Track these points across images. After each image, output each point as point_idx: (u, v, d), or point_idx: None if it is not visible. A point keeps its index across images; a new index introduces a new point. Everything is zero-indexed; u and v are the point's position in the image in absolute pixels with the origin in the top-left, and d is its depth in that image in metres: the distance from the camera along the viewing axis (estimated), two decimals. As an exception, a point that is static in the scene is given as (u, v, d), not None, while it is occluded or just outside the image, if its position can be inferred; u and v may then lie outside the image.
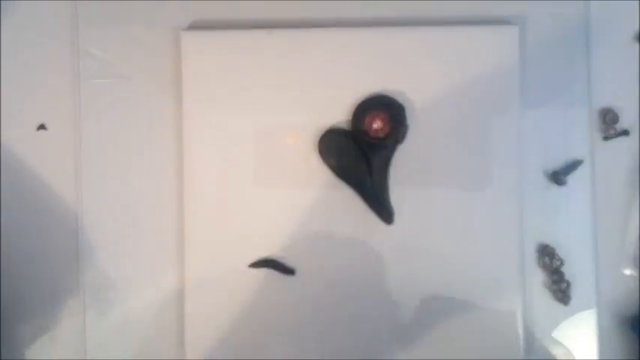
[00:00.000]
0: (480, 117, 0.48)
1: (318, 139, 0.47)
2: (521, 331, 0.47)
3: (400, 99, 0.47)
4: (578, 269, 0.49)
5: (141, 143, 0.50)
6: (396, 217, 0.47)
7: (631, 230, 0.49)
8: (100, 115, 0.50)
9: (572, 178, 0.49)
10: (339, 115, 0.48)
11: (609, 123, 0.49)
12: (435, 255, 0.48)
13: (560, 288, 0.48)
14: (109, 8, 0.50)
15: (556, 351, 0.49)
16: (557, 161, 0.49)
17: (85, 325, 0.50)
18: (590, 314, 0.49)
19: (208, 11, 0.50)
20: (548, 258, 0.48)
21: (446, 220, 0.48)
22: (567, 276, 0.49)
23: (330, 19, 0.49)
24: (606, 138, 0.49)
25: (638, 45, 0.49)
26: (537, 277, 0.49)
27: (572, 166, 0.49)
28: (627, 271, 0.49)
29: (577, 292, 0.49)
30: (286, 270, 0.48)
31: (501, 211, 0.47)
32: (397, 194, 0.48)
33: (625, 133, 0.49)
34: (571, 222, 0.49)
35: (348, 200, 0.48)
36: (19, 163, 0.50)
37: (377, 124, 0.46)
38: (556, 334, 0.49)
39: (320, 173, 0.48)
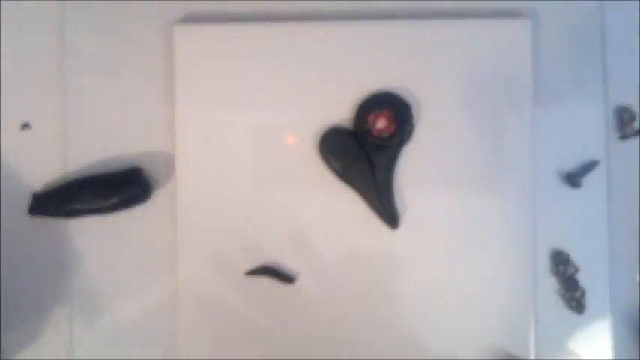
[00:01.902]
0: (490, 115, 0.46)
1: (318, 139, 0.46)
2: (532, 340, 0.46)
3: (406, 96, 0.46)
4: (592, 276, 0.47)
5: (131, 143, 0.48)
6: (402, 222, 0.46)
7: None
8: (88, 113, 0.48)
9: (588, 180, 0.47)
10: (341, 113, 0.46)
11: (626, 122, 0.48)
12: (443, 261, 0.46)
13: (574, 296, 0.47)
14: (97, 1, 0.49)
15: (569, 361, 0.47)
16: (572, 162, 0.48)
17: (72, 335, 0.48)
18: (605, 324, 0.47)
19: (202, 4, 0.48)
20: (562, 265, 0.47)
21: (454, 224, 0.46)
22: (581, 283, 0.47)
23: (331, 11, 0.48)
24: (623, 137, 0.48)
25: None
26: (550, 285, 0.48)
27: (588, 167, 0.47)
28: (643, 278, 0.48)
29: (591, 301, 0.47)
30: (285, 277, 0.46)
31: (513, 215, 0.46)
32: (402, 197, 0.46)
33: (643, 132, 0.48)
34: (586, 226, 0.48)
35: (350, 204, 0.46)
36: (2, 163, 0.49)
37: (381, 124, 0.45)
38: (569, 344, 0.48)
39: (321, 175, 0.46)
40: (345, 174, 0.46)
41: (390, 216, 0.46)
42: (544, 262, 0.48)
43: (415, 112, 0.46)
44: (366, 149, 0.45)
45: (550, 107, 0.48)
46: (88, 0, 0.49)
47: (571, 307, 0.47)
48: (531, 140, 0.46)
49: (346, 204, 0.46)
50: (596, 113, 0.48)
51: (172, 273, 0.47)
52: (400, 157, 0.46)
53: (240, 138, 0.47)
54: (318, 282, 0.46)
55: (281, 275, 0.46)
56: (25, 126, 0.49)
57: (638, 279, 0.48)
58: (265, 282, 0.46)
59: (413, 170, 0.46)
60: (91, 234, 0.48)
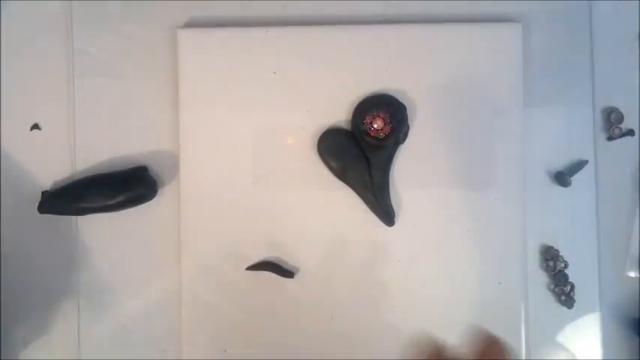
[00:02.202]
0: (482, 116, 0.47)
1: (317, 139, 0.47)
2: (523, 334, 0.47)
3: (401, 98, 0.47)
4: (581, 271, 0.48)
5: (137, 143, 0.49)
6: (397, 219, 0.47)
7: (635, 232, 0.49)
8: (95, 114, 0.49)
9: (577, 179, 0.48)
10: (339, 114, 0.47)
11: (614, 122, 0.48)
12: (437, 257, 0.47)
13: (563, 291, 0.48)
14: (104, 6, 0.50)
15: (559, 354, 0.48)
16: (561, 161, 0.49)
17: (79, 328, 0.49)
18: (594, 317, 0.48)
19: (205, 9, 0.49)
20: (552, 260, 0.48)
21: (448, 221, 0.47)
22: (571, 278, 0.48)
23: (330, 16, 0.49)
24: (611, 138, 0.49)
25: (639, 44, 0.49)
26: (541, 280, 0.49)
27: (577, 166, 0.48)
28: (631, 274, 0.49)
29: (580, 295, 0.48)
30: (285, 273, 0.47)
31: (504, 213, 0.47)
32: (398, 195, 0.47)
33: (630, 132, 0.49)
34: (575, 223, 0.49)
35: (347, 202, 0.47)
36: (13, 162, 0.50)
37: (377, 124, 0.45)
38: (559, 337, 0.48)
39: (319, 174, 0.47)
40: (342, 173, 0.46)
41: (386, 214, 0.46)
42: (534, 258, 0.49)
43: (410, 113, 0.46)
44: (363, 149, 0.46)
45: (540, 108, 0.48)
46: (95, 4, 0.49)
47: (561, 302, 0.48)
48: (522, 140, 0.47)
49: (344, 202, 0.47)
50: (584, 114, 0.49)
51: (177, 269, 0.48)
52: (396, 156, 0.47)
53: (241, 138, 0.47)
54: (317, 277, 0.47)
55: (281, 270, 0.47)
56: (35, 127, 0.50)
57: (625, 274, 0.49)
58: (266, 277, 0.47)
59: (408, 169, 0.47)
60: (98, 231, 0.49)
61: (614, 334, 0.49)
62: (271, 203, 0.47)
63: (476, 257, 0.47)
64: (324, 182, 0.47)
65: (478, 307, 0.47)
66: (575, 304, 0.48)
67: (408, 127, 0.46)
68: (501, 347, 0.37)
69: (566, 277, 0.48)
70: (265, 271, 0.47)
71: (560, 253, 0.48)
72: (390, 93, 0.47)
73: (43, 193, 0.48)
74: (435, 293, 0.47)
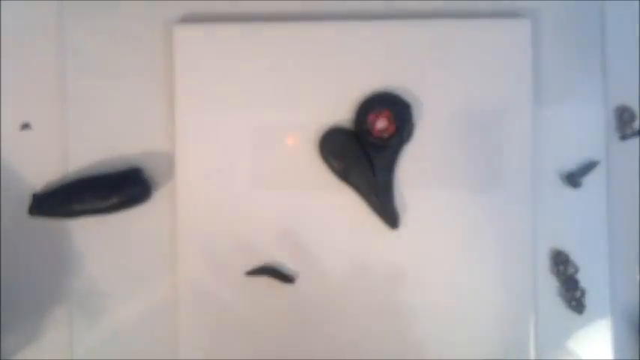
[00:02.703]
0: (490, 115, 0.46)
1: (319, 138, 0.46)
2: (532, 340, 0.46)
3: (406, 96, 0.46)
4: (592, 276, 0.47)
5: (131, 143, 0.48)
6: (402, 222, 0.46)
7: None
8: (88, 113, 0.48)
9: (588, 180, 0.47)
10: (341, 113, 0.46)
11: (626, 122, 0.48)
12: (443, 261, 0.46)
13: (574, 296, 0.47)
14: (97, 2, 0.49)
15: (569, 362, 0.47)
16: (572, 162, 0.48)
17: (71, 335, 0.48)
18: (605, 323, 0.47)
19: (202, 4, 0.48)
20: (562, 265, 0.47)
21: (454, 224, 0.46)
22: (582, 283, 0.47)
23: (332, 11, 0.48)
24: (623, 137, 0.48)
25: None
26: (550, 285, 0.48)
27: (588, 167, 0.47)
28: (643, 278, 0.48)
29: (591, 301, 0.47)
30: (285, 278, 0.46)
31: (513, 215, 0.46)
32: (403, 197, 0.46)
33: (643, 132, 0.48)
34: (586, 226, 0.48)
35: (351, 204, 0.46)
36: (2, 163, 0.49)
37: (381, 123, 0.45)
38: (570, 344, 0.47)
39: (321, 175, 0.46)
40: (345, 174, 0.46)
41: (390, 216, 0.46)
42: (544, 262, 0.48)
43: (415, 112, 0.46)
44: (366, 149, 0.45)
45: (550, 107, 0.47)
46: (88, 0, 0.49)
47: (571, 307, 0.47)
48: (531, 140, 0.46)
49: (346, 204, 0.46)
50: (596, 113, 0.48)
51: (172, 273, 0.47)
52: (400, 157, 0.46)
53: (240, 138, 0.46)
54: (318, 282, 0.46)
55: (281, 275, 0.46)
56: (25, 126, 0.49)
57: (638, 279, 0.48)
58: (265, 282, 0.46)
59: (413, 170, 0.46)
60: (91, 234, 0.48)
61: (626, 341, 0.48)
62: (271, 206, 0.46)
63: (483, 261, 0.46)
64: (325, 184, 0.46)
65: (486, 312, 0.46)
66: (585, 310, 0.47)
67: (412, 127, 0.45)
68: None
69: (576, 281, 0.47)
70: (265, 278, 0.46)
71: (571, 258, 0.47)
72: (394, 91, 0.46)
73: (33, 195, 0.47)
74: (441, 297, 0.46)
